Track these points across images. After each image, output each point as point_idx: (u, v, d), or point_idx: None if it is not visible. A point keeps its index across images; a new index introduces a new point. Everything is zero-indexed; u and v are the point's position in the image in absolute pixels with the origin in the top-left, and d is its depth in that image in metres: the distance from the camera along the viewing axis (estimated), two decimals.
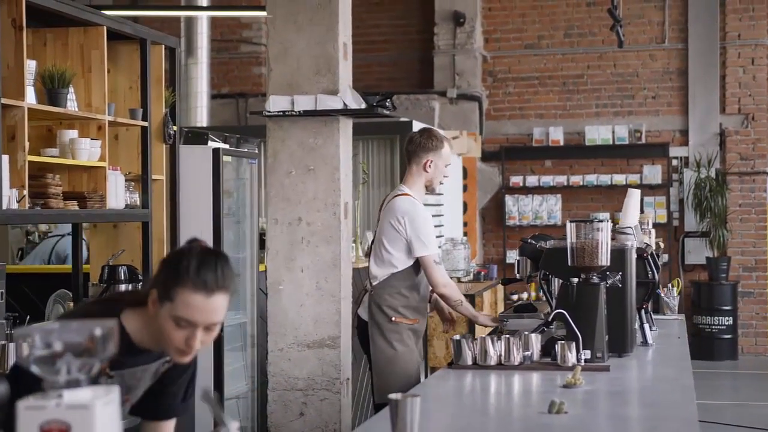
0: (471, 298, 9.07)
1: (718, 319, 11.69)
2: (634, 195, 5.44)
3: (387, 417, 2.65)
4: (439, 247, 9.62)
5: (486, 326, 4.80)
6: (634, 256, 4.61)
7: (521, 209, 12.39)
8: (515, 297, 11.77)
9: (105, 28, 4.91)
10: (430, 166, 4.95)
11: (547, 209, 12.31)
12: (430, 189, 5.04)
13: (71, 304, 5.14)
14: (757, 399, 9.70)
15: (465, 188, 11.86)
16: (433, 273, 4.84)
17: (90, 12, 4.90)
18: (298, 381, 5.33)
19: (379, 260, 4.95)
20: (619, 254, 4.46)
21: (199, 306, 2.42)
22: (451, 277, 9.80)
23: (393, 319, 4.89)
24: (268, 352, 5.37)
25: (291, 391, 5.33)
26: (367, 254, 8.08)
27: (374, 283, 4.94)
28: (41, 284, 6.36)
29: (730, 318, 11.70)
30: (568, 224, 4.36)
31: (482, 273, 10.58)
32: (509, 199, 12.38)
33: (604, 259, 4.29)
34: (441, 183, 5.09)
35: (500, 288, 10.84)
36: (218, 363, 5.95)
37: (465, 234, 11.78)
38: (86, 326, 1.75)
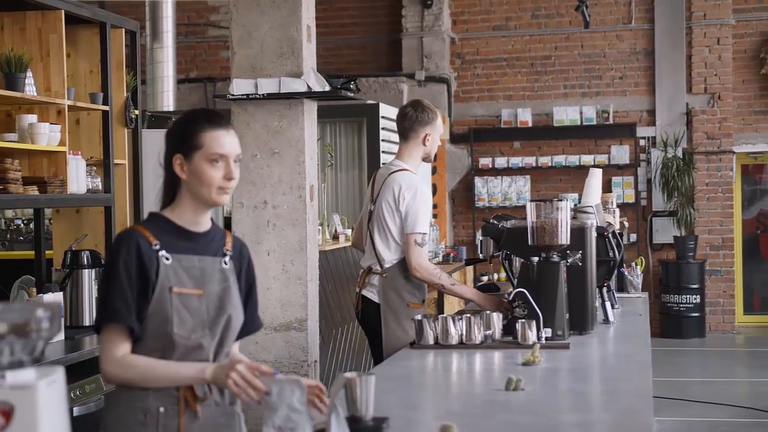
0: None
1: (686, 298, 11.79)
2: (596, 174, 5.48)
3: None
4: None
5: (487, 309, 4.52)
6: (594, 234, 4.64)
7: (490, 191, 12.42)
8: (485, 278, 11.83)
9: (63, 11, 4.88)
10: (428, 140, 4.80)
11: (516, 190, 12.36)
12: (427, 161, 4.90)
13: (34, 290, 5.11)
14: (725, 376, 9.81)
15: (434, 170, 11.87)
16: (410, 253, 4.62)
17: None
18: (265, 364, 5.32)
19: (387, 242, 4.73)
20: (579, 233, 4.49)
21: (225, 140, 2.75)
22: None
23: (409, 304, 4.72)
24: None
25: None
26: (339, 235, 8.06)
27: (386, 266, 4.73)
28: (7, 270, 6.33)
29: (698, 296, 11.81)
30: (528, 204, 4.39)
31: (451, 255, 10.61)
32: (478, 181, 12.41)
33: (564, 238, 4.32)
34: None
35: (470, 269, 10.88)
36: None
37: (435, 216, 11.82)
38: (29, 307, 1.75)
